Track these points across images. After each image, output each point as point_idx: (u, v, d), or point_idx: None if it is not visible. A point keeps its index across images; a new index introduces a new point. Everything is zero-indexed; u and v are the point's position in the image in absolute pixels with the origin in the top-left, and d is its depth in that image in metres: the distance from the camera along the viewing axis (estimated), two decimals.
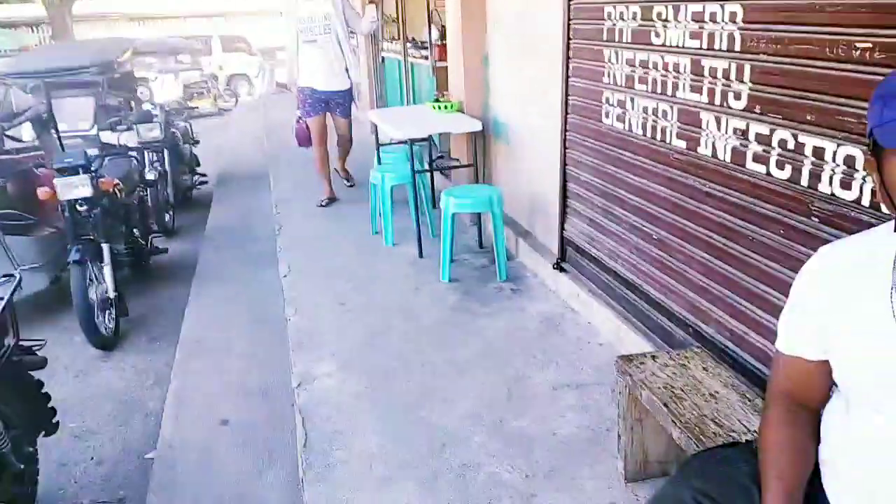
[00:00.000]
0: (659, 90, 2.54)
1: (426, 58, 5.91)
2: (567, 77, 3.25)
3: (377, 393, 2.83)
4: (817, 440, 1.25)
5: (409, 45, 6.61)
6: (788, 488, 1.18)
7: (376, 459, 2.42)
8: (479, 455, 2.40)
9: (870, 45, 1.66)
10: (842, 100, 1.76)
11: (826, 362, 1.20)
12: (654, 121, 2.60)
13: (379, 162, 5.07)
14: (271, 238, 4.97)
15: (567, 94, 3.27)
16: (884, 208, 1.58)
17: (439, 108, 4.67)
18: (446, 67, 5.02)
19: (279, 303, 3.84)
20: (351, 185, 5.92)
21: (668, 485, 1.39)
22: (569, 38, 3.19)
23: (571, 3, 3.12)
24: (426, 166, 4.60)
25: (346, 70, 5.36)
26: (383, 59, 8.06)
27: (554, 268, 3.60)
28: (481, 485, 2.25)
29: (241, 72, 16.92)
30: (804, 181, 1.91)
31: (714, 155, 2.28)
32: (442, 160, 4.71)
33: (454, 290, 3.79)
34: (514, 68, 4.08)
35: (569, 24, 3.16)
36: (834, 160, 1.81)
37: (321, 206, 5.48)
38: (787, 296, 1.28)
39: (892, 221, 1.10)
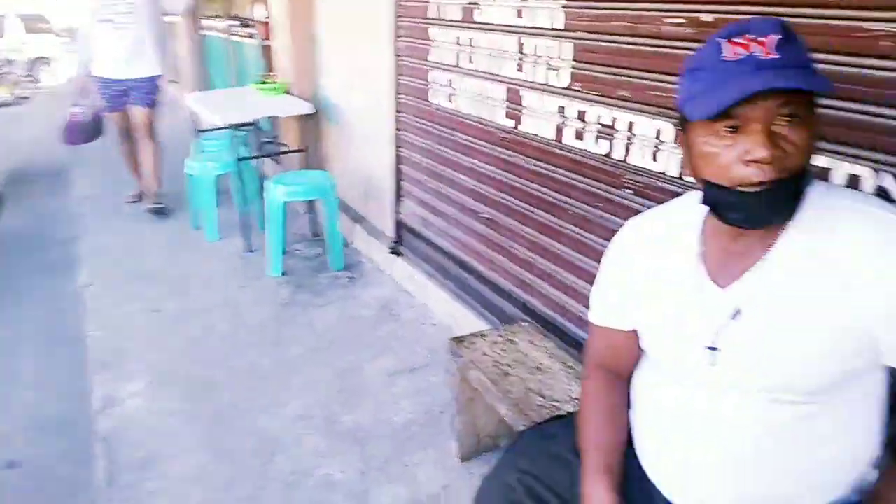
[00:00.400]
0: (485, 69, 2.53)
1: (252, 36, 5.56)
2: (396, 56, 3.16)
3: (196, 407, 2.55)
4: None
5: (233, 22, 6.19)
6: (605, 457, 1.18)
7: (196, 483, 2.15)
8: (311, 458, 2.24)
9: (680, 20, 1.72)
10: (652, 75, 1.83)
11: (636, 332, 1.21)
12: (480, 100, 2.59)
13: (200, 151, 4.66)
14: (72, 242, 4.31)
15: (397, 74, 3.18)
16: (690, 178, 1.65)
17: (266, 90, 4.38)
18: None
19: (80, 317, 3.30)
20: (159, 210, 4.62)
21: (495, 469, 1.35)
22: (397, 16, 3.10)
23: None
24: (253, 153, 4.29)
25: (153, 55, 4.43)
26: (206, 37, 7.50)
27: (390, 252, 3.51)
28: (311, 490, 2.10)
29: (45, 55, 15.02)
30: (618, 155, 1.97)
31: (538, 132, 2.30)
32: (270, 146, 4.43)
33: (285, 283, 3.57)
34: (345, 47, 3.92)
35: (397, 2, 3.07)
36: (644, 132, 1.87)
37: (131, 202, 4.86)
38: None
39: (697, 192, 1.11)
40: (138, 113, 4.52)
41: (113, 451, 2.32)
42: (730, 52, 0.92)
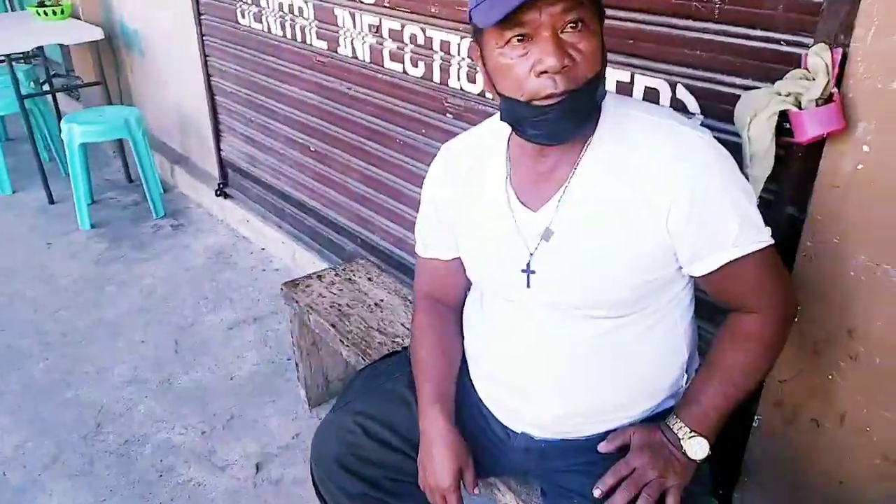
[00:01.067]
0: None
1: None
2: None
3: (5, 383, 2.28)
4: (462, 336, 1.26)
5: None
6: (439, 388, 1.19)
7: (12, 465, 1.95)
8: (145, 425, 2.09)
9: None
10: None
11: (460, 260, 1.20)
12: (291, 19, 2.38)
13: None
14: None
15: None
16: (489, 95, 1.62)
17: (46, 13, 3.76)
18: None
19: None
20: None
21: (330, 413, 1.31)
22: None
23: None
24: (40, 89, 3.72)
25: None
26: None
27: (217, 195, 3.26)
28: (149, 457, 1.97)
29: None
30: (436, 77, 1.90)
31: (354, 55, 2.16)
32: (60, 80, 3.86)
33: (99, 237, 3.21)
34: None
35: None
36: (459, 53, 1.81)
37: None
38: None
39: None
40: None
41: None
42: None
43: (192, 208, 3.50)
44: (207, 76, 3.00)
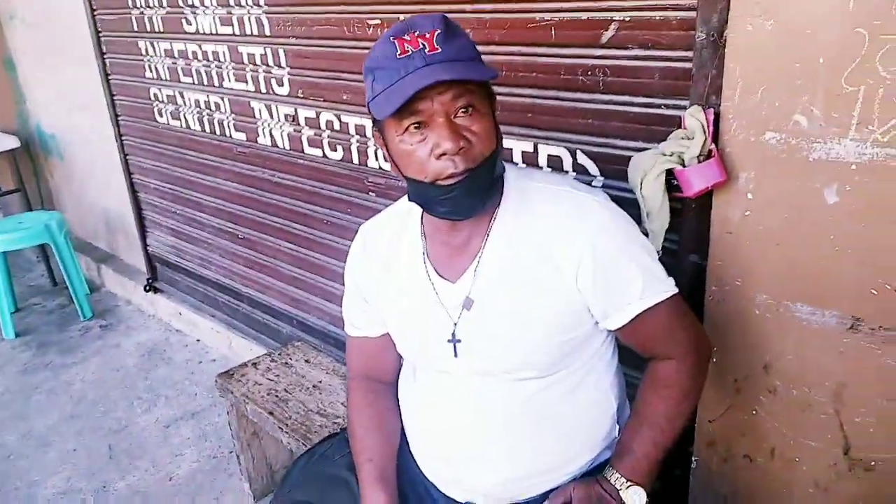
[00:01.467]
0: (206, 81, 2.36)
1: None
2: (107, 75, 2.84)
3: None
4: (399, 413, 1.26)
5: None
6: (379, 467, 1.18)
7: None
8: None
9: (378, 21, 1.73)
10: None
11: (388, 335, 1.21)
12: (209, 114, 2.42)
13: None
14: None
15: (112, 95, 2.86)
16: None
17: None
18: None
19: None
20: None
21: (273, 501, 1.27)
22: (98, 32, 2.77)
23: None
24: None
25: None
26: None
27: (146, 290, 3.18)
28: None
29: None
30: (355, 159, 1.96)
31: (274, 144, 2.21)
32: None
33: (25, 345, 3.08)
34: (50, 69, 3.44)
35: (93, 16, 2.74)
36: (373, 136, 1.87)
37: None
38: None
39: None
40: None
41: None
42: (400, 49, 0.93)
43: (122, 306, 3.40)
44: (129, 174, 2.99)
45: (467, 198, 0.98)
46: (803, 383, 1.22)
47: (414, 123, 0.95)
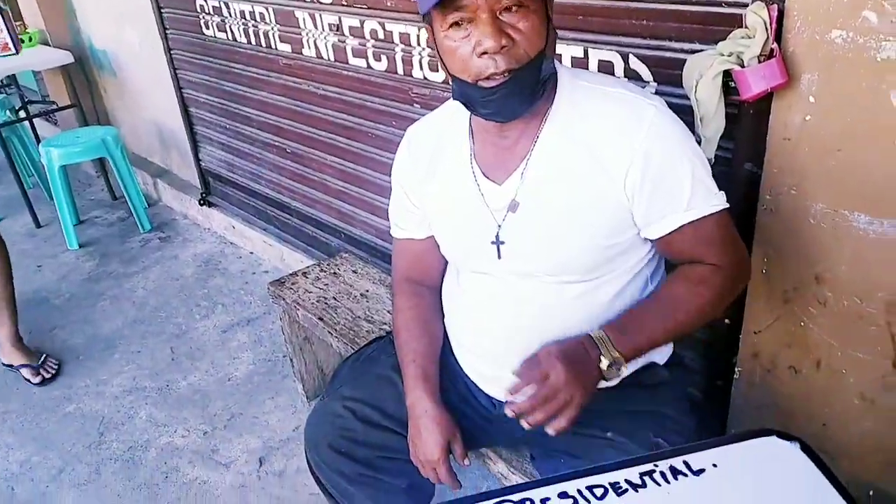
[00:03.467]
0: None
1: None
2: None
3: (6, 403, 2.32)
4: (442, 315, 1.30)
5: None
6: (422, 367, 1.22)
7: (20, 480, 1.99)
8: (147, 430, 2.13)
9: None
10: None
11: (433, 237, 1.23)
12: (254, 26, 2.40)
13: None
14: None
15: (160, 8, 2.85)
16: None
17: None
18: None
19: None
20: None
21: (320, 402, 1.35)
22: None
23: None
24: (17, 116, 3.73)
25: None
26: None
27: (200, 204, 3.28)
28: (153, 461, 2.01)
29: None
30: (400, 70, 1.93)
31: (319, 55, 2.19)
32: (35, 106, 3.87)
33: (89, 256, 3.24)
34: None
35: None
36: (419, 44, 1.83)
37: None
38: None
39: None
40: None
41: None
42: None
43: (178, 219, 3.52)
44: (179, 89, 3.02)
45: (509, 100, 0.96)
46: (856, 294, 1.20)
47: (458, 19, 0.93)
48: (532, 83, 0.97)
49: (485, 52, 0.92)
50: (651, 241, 1.08)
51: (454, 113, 1.15)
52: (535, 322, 1.11)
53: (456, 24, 0.93)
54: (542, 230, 1.06)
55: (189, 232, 3.38)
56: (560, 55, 1.46)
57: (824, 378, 1.31)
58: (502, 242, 1.09)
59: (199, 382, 2.33)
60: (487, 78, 0.94)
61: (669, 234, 1.03)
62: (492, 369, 1.19)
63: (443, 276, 1.31)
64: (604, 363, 1.01)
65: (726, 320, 1.42)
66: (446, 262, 1.28)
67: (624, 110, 1.01)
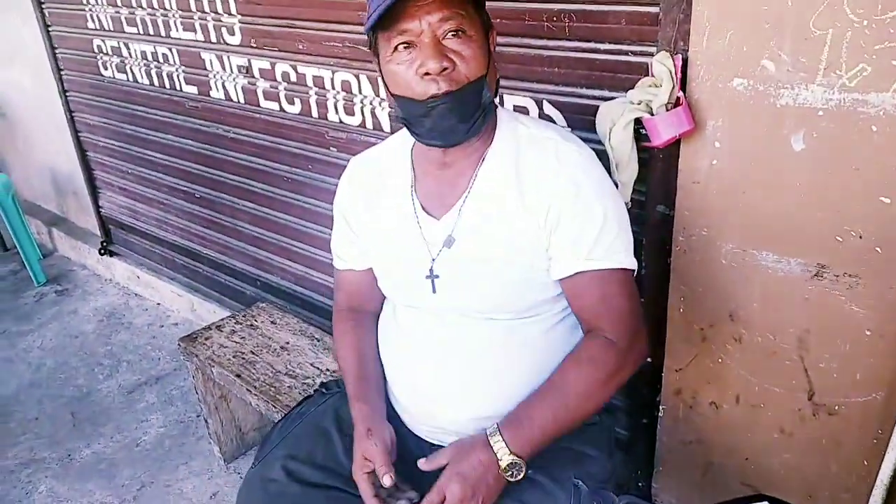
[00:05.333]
0: (152, 31, 2.23)
1: None
2: (47, 26, 2.66)
3: None
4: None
5: None
6: (357, 387, 1.18)
7: None
8: None
9: None
10: (325, 25, 1.74)
11: (372, 270, 1.22)
12: (157, 67, 2.29)
13: None
14: None
15: (53, 48, 2.69)
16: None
17: None
18: None
19: None
20: None
21: (252, 469, 1.25)
22: None
23: None
24: None
25: None
26: None
27: (101, 253, 3.08)
28: None
29: None
30: (315, 112, 1.89)
31: (228, 97, 2.11)
32: None
33: None
34: None
35: None
36: (333, 87, 1.80)
37: None
38: (329, 228, 1.28)
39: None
40: None
41: None
42: None
43: (76, 270, 3.28)
44: (76, 132, 2.85)
45: (448, 117, 0.98)
46: (768, 330, 1.24)
47: (403, 43, 0.96)
48: (471, 105, 0.99)
49: (427, 74, 0.95)
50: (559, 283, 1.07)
51: (397, 147, 1.17)
52: (464, 358, 1.10)
53: (399, 47, 0.96)
54: (475, 267, 1.07)
55: (89, 284, 3.15)
56: None
57: (744, 412, 1.35)
58: (437, 276, 1.09)
59: (104, 450, 2.14)
60: (429, 98, 0.96)
61: (570, 277, 1.03)
62: (420, 407, 1.15)
63: (382, 306, 1.28)
64: (503, 465, 1.00)
65: (648, 359, 1.44)
66: (384, 296, 1.25)
67: (551, 153, 1.04)
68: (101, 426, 2.25)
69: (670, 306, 1.34)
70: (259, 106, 2.03)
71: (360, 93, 1.74)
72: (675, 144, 1.19)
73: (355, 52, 1.70)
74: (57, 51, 2.69)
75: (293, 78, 1.88)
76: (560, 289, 1.08)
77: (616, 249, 1.03)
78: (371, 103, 1.73)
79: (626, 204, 1.17)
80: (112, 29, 2.38)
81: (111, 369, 2.53)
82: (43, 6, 2.63)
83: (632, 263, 1.05)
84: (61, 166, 3.18)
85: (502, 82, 1.43)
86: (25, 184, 3.54)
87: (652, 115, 1.13)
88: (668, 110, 1.13)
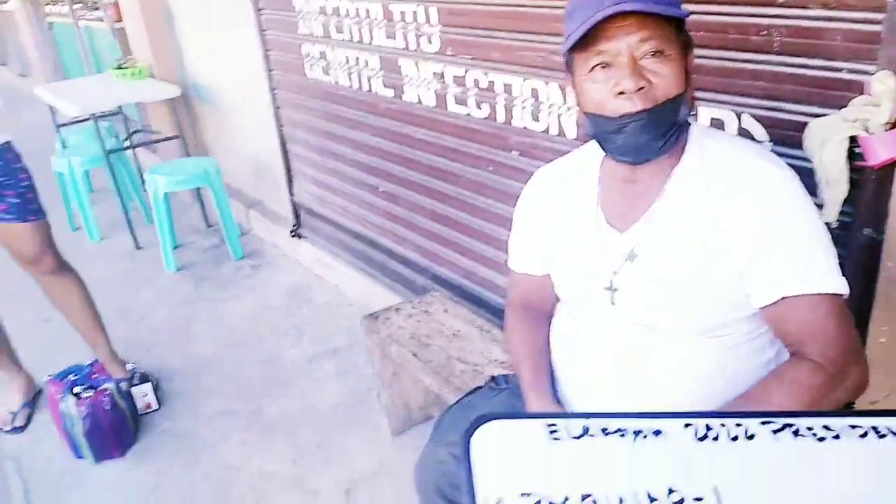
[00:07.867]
0: (356, 38, 2.46)
1: (101, 19, 5.11)
2: (262, 30, 3.01)
3: None
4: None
5: (78, 5, 5.66)
6: (531, 375, 1.24)
7: (118, 493, 2.11)
8: (240, 452, 2.22)
9: None
10: (521, 35, 1.84)
11: (548, 276, 1.26)
12: (357, 71, 2.53)
13: (63, 146, 4.33)
14: None
15: (266, 49, 3.04)
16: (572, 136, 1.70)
17: (124, 74, 4.07)
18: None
19: None
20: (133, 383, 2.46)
21: (426, 448, 1.38)
22: None
23: None
24: (122, 144, 4.01)
25: None
26: (51, 24, 6.84)
27: (291, 235, 3.43)
28: (245, 484, 2.09)
29: None
30: (500, 118, 1.99)
31: (419, 101, 2.28)
32: (140, 134, 4.15)
33: (185, 279, 3.43)
34: (205, 23, 3.69)
35: None
36: (521, 94, 1.90)
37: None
38: (504, 228, 1.33)
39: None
40: (14, 236, 2.24)
41: (24, 468, 2.25)
42: None
43: (268, 249, 3.68)
44: (279, 126, 3.19)
45: (640, 135, 0.99)
46: None
47: (600, 63, 0.98)
48: (666, 124, 1.00)
49: (622, 93, 0.97)
50: (759, 310, 1.05)
51: (585, 160, 1.20)
52: (642, 372, 1.11)
53: (597, 67, 0.99)
54: (658, 283, 1.07)
55: (278, 262, 3.53)
56: None
57: None
58: (616, 289, 1.11)
59: (287, 409, 2.41)
60: (622, 116, 0.98)
61: (775, 303, 1.01)
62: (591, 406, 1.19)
63: (555, 307, 1.32)
64: None
65: None
66: (558, 299, 1.29)
67: (753, 175, 1.02)
68: (286, 387, 2.53)
69: (871, 336, 1.29)
70: (447, 109, 2.18)
71: (548, 100, 1.83)
72: (890, 166, 1.15)
73: (546, 60, 1.78)
74: (269, 52, 3.03)
75: (483, 84, 2.00)
76: (752, 310, 1.06)
77: (830, 272, 1.00)
78: (558, 110, 1.81)
79: (829, 224, 1.15)
80: (321, 35, 2.65)
81: (295, 339, 2.83)
82: (261, 13, 2.98)
83: (841, 287, 1.01)
84: (262, 155, 3.57)
85: (700, 94, 1.44)
86: (229, 168, 4.00)
87: (869, 133, 1.11)
88: (886, 130, 1.10)
